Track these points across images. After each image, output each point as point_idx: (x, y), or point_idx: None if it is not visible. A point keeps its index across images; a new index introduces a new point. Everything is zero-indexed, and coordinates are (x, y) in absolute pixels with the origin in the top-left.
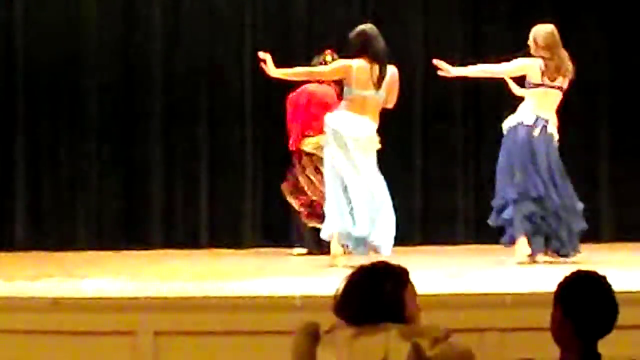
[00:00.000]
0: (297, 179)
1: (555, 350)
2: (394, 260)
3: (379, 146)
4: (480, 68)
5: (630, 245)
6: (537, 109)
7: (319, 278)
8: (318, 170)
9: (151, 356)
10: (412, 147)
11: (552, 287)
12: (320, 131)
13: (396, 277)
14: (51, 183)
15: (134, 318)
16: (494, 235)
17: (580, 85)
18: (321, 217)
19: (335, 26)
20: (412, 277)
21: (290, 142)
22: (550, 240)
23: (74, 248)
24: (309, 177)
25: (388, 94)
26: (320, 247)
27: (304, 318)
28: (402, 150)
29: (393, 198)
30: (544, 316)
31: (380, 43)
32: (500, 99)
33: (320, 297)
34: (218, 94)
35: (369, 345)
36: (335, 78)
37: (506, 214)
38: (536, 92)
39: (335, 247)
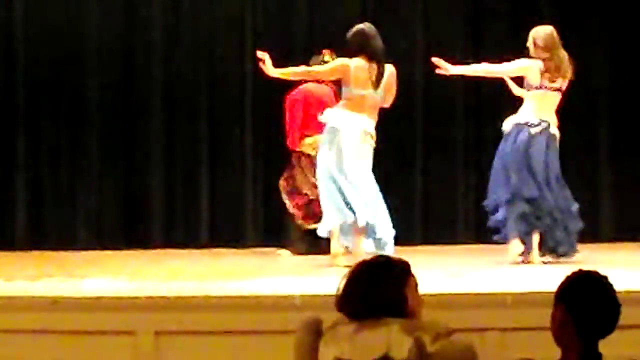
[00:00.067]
0: (295, 180)
1: (556, 350)
2: None
3: (374, 145)
4: (479, 67)
5: (630, 245)
6: (538, 111)
7: (319, 278)
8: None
9: (152, 356)
10: (413, 147)
11: (553, 287)
12: (318, 131)
13: (397, 271)
14: (51, 183)
15: (134, 318)
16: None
17: (581, 86)
18: (318, 217)
19: (335, 26)
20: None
21: (289, 141)
22: (545, 239)
23: (74, 248)
24: (308, 178)
25: (386, 93)
26: (315, 247)
27: (304, 318)
28: (402, 150)
29: (393, 198)
30: (545, 316)
31: (379, 42)
32: (501, 99)
33: (321, 297)
34: (218, 94)
35: (371, 339)
36: (334, 77)
37: (499, 215)
38: (536, 94)
39: (335, 247)
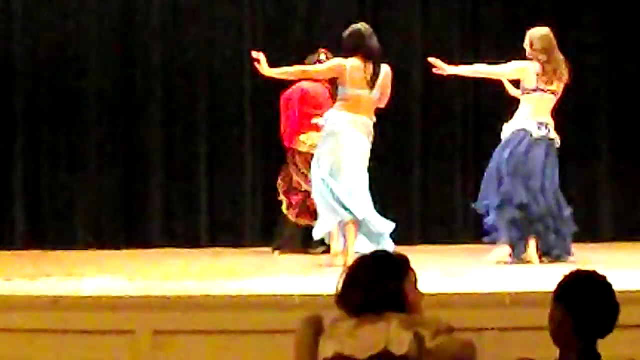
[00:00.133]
0: (291, 178)
1: (554, 350)
2: None
3: (370, 139)
4: (475, 68)
5: (629, 245)
6: (535, 115)
7: (318, 277)
8: (311, 168)
9: (150, 355)
10: (412, 147)
11: (552, 287)
12: (313, 129)
13: (396, 266)
14: (51, 182)
15: (134, 317)
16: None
17: (581, 86)
18: (313, 215)
19: (334, 26)
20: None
21: (283, 139)
22: (539, 244)
23: (73, 247)
24: (304, 175)
25: (382, 93)
26: (308, 246)
27: (304, 315)
28: (401, 150)
29: (392, 198)
30: (543, 316)
31: (375, 42)
32: (500, 100)
33: (320, 296)
34: (217, 94)
35: (371, 335)
36: (330, 77)
37: (490, 220)
38: (531, 97)
39: (335, 246)
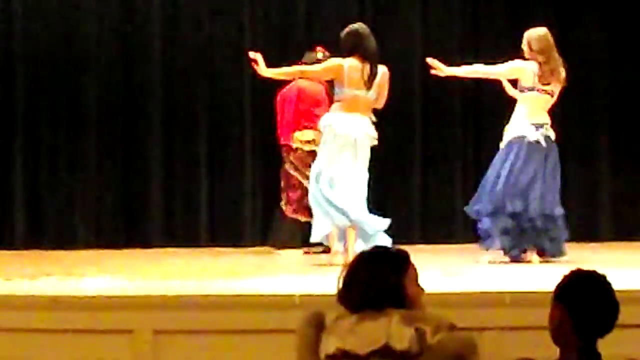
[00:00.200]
0: (289, 174)
1: (554, 350)
2: None
3: (375, 142)
4: (473, 68)
5: (629, 244)
6: (531, 115)
7: (318, 276)
8: (307, 165)
9: (150, 355)
10: (412, 147)
11: (551, 286)
12: (308, 126)
13: (395, 261)
14: (50, 181)
15: (134, 316)
16: None
17: (580, 85)
18: (311, 212)
19: (334, 26)
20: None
21: (279, 136)
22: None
23: (73, 246)
24: (300, 171)
25: (378, 94)
26: (301, 240)
27: (299, 320)
28: (401, 150)
29: (392, 198)
30: (543, 315)
31: (372, 42)
32: (500, 100)
33: (320, 296)
34: (217, 94)
35: (371, 330)
36: (327, 77)
37: (484, 225)
38: (528, 96)
39: (335, 245)
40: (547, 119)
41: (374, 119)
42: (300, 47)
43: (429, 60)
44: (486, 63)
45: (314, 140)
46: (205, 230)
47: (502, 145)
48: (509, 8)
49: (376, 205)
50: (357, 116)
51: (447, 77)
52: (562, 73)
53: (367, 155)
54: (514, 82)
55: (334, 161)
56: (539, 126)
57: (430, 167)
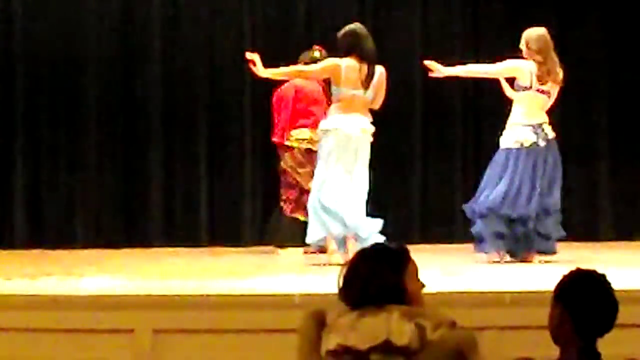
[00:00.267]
0: (285, 174)
1: (554, 349)
2: None
3: (371, 139)
4: (471, 68)
5: (629, 244)
6: (528, 116)
7: (318, 276)
8: (301, 164)
9: (150, 354)
10: (412, 147)
11: (551, 286)
12: (304, 124)
13: (395, 258)
14: (50, 181)
15: (133, 316)
16: None
17: (580, 85)
18: (306, 209)
19: (334, 26)
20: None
21: (276, 135)
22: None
23: (73, 246)
24: (296, 170)
25: (376, 94)
26: (301, 240)
27: (301, 318)
28: (401, 150)
29: (392, 197)
30: (543, 315)
31: (370, 43)
32: (500, 99)
33: (320, 295)
34: (217, 93)
35: (372, 326)
36: (325, 77)
37: (477, 227)
38: (525, 95)
39: (332, 245)
40: (544, 118)
41: (370, 117)
42: (300, 47)
43: (427, 62)
44: (486, 63)
45: (311, 139)
46: (205, 230)
47: (501, 144)
48: (509, 8)
49: (376, 205)
50: (356, 116)
51: (445, 77)
52: (560, 73)
53: (368, 154)
54: (512, 83)
55: (335, 166)
56: (536, 126)
57: (430, 167)
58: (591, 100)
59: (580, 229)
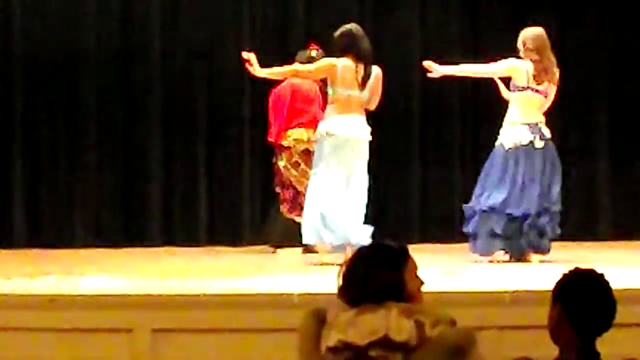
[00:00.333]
0: (281, 173)
1: (553, 349)
2: None
3: (369, 138)
4: (468, 68)
5: (628, 244)
6: (524, 116)
7: (317, 275)
8: (297, 164)
9: (149, 354)
10: (411, 147)
11: (551, 285)
12: (301, 124)
13: (394, 256)
14: (49, 180)
15: (132, 315)
16: None
17: (580, 85)
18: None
19: (334, 26)
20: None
21: (272, 135)
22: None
23: (72, 245)
24: (290, 171)
25: (371, 94)
26: (297, 240)
27: (301, 316)
28: (400, 149)
29: (391, 197)
30: (543, 314)
31: (366, 43)
32: (498, 100)
33: (319, 295)
34: (216, 93)
35: (371, 321)
36: (321, 77)
37: (470, 228)
38: (520, 96)
39: (323, 245)
40: (540, 117)
41: (364, 117)
42: (299, 47)
43: (425, 63)
44: (484, 63)
45: (308, 139)
46: (204, 229)
47: (497, 144)
48: (509, 9)
49: (376, 205)
50: (352, 116)
51: (443, 77)
52: (556, 73)
53: (366, 154)
54: (507, 83)
55: (337, 171)
56: (532, 125)
57: (429, 167)
58: (591, 100)
59: (580, 228)
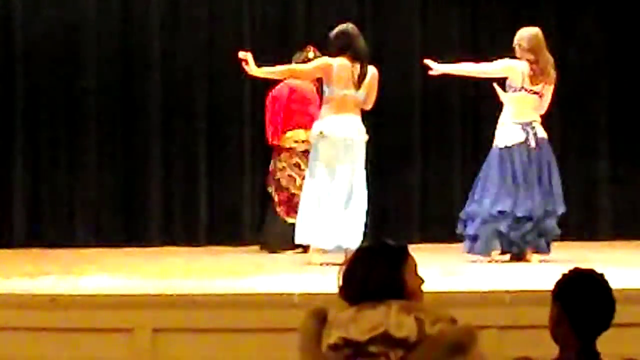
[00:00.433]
0: (276, 175)
1: (554, 348)
2: None
3: (366, 138)
4: (466, 67)
5: (628, 244)
6: (518, 115)
7: (317, 275)
8: (296, 165)
9: (149, 353)
10: (411, 147)
11: (551, 285)
12: (299, 126)
13: (393, 255)
14: (50, 180)
15: (132, 315)
16: None
17: (580, 85)
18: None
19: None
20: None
21: (269, 136)
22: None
23: (72, 245)
24: (288, 174)
25: (367, 94)
26: (293, 242)
27: (302, 315)
28: (401, 149)
29: (391, 197)
30: (543, 314)
31: (362, 43)
32: (499, 101)
33: (319, 295)
34: (216, 92)
35: (371, 318)
36: (317, 76)
37: (471, 230)
38: (515, 96)
39: (313, 245)
40: (535, 117)
41: (360, 118)
42: (299, 47)
43: (426, 61)
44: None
45: (307, 141)
46: (204, 229)
47: (493, 145)
48: (508, 9)
49: (376, 205)
50: (348, 116)
51: (443, 75)
52: (553, 73)
53: (362, 155)
54: (504, 84)
55: (336, 173)
56: (526, 125)
57: (430, 167)
58: (591, 100)
59: (580, 228)
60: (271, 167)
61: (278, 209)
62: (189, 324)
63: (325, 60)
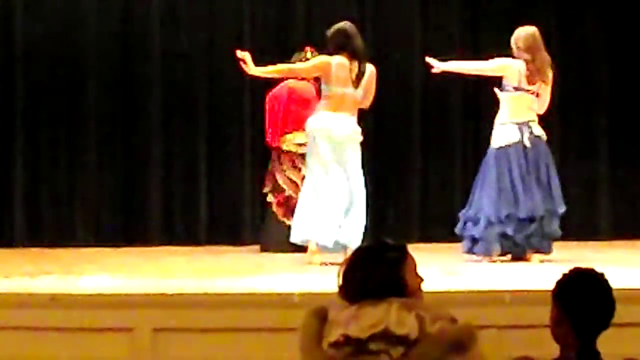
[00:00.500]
0: (275, 177)
1: (554, 348)
2: None
3: (361, 138)
4: (464, 65)
5: (628, 243)
6: (514, 115)
7: (318, 275)
8: (296, 167)
9: (150, 353)
10: (411, 146)
11: (551, 285)
12: (299, 128)
13: (393, 254)
14: (50, 180)
15: (133, 315)
16: None
17: (580, 85)
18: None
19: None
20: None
21: (268, 138)
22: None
23: (72, 245)
24: (287, 176)
25: (365, 92)
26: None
27: (302, 315)
28: (401, 148)
29: (391, 196)
30: (543, 314)
31: (359, 41)
32: (499, 98)
33: (319, 295)
34: (217, 93)
35: (371, 315)
36: (315, 75)
37: (475, 231)
38: (511, 96)
39: (312, 245)
40: (531, 117)
41: (355, 118)
42: (299, 47)
43: (428, 59)
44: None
45: (306, 143)
46: (204, 228)
47: (490, 145)
48: (509, 8)
49: (375, 205)
50: (343, 115)
51: (442, 73)
52: (549, 73)
53: (359, 154)
54: (500, 83)
55: (334, 171)
56: (521, 124)
57: (430, 166)
58: (591, 101)
59: (580, 228)
60: (269, 169)
61: (275, 211)
62: (189, 324)
63: (324, 58)
